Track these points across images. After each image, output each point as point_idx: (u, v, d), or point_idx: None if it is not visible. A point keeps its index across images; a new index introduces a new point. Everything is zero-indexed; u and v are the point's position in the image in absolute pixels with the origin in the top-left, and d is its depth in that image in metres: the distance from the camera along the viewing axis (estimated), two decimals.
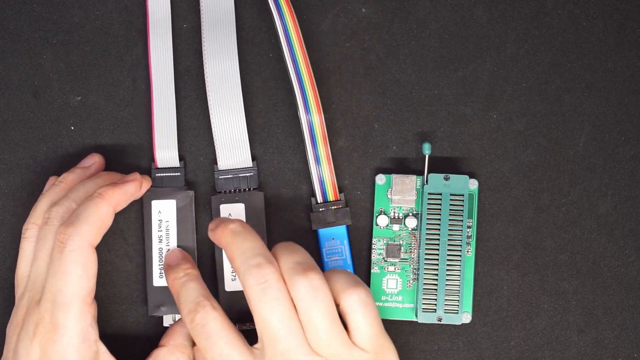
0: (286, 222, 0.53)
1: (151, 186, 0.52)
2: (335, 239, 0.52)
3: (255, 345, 0.46)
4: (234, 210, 0.52)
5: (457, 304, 0.51)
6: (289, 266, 0.45)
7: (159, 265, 0.51)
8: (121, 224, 0.52)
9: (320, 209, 0.52)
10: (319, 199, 0.52)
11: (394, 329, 0.53)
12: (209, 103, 0.52)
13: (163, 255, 0.51)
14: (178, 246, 0.51)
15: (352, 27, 0.53)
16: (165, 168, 0.52)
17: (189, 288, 0.47)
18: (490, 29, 0.53)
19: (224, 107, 0.52)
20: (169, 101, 0.52)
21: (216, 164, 0.52)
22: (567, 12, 0.54)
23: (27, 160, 0.53)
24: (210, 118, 0.52)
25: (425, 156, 0.52)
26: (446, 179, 0.51)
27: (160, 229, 0.51)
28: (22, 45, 0.53)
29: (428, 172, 0.52)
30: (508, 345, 0.53)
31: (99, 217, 0.47)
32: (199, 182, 0.53)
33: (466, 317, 0.52)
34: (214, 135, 0.52)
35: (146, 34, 0.53)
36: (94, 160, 0.51)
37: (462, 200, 0.51)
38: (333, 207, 0.52)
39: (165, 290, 0.51)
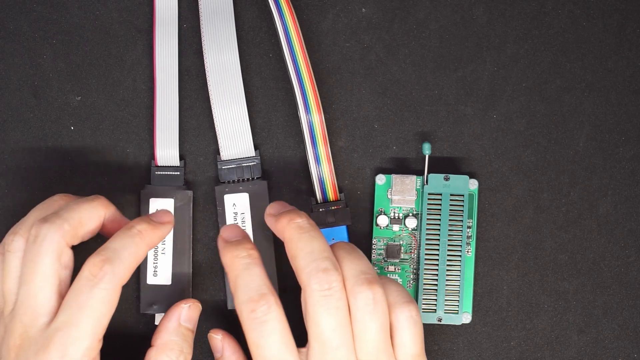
0: None
1: (150, 184, 0.52)
2: (335, 239, 0.52)
3: (301, 349, 0.45)
4: (238, 200, 0.52)
5: (457, 304, 0.51)
6: (354, 274, 0.44)
7: (154, 263, 0.51)
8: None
9: (320, 209, 0.52)
10: (319, 199, 0.52)
11: None
12: (210, 93, 0.52)
13: (158, 254, 0.51)
14: (174, 247, 0.51)
15: (352, 27, 0.53)
16: (165, 167, 0.52)
17: (252, 273, 0.45)
18: (490, 29, 0.54)
19: (225, 96, 0.52)
20: (172, 100, 0.52)
21: (219, 154, 0.52)
22: (567, 12, 0.54)
23: (27, 160, 0.53)
24: (212, 108, 0.52)
25: (425, 156, 0.52)
26: (446, 179, 0.51)
27: None
28: (22, 45, 0.53)
29: (428, 172, 0.52)
30: (508, 345, 0.53)
31: (136, 259, 0.45)
32: (199, 182, 0.53)
33: (466, 317, 0.52)
34: (215, 126, 0.52)
35: (152, 31, 0.53)
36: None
37: (462, 200, 0.51)
38: (333, 207, 0.52)
39: (158, 288, 0.51)
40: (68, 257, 0.45)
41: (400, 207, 0.53)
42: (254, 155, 0.52)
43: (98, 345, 0.44)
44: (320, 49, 0.53)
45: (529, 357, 0.53)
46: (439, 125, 0.53)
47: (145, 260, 0.51)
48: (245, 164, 0.52)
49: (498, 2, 0.54)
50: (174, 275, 0.51)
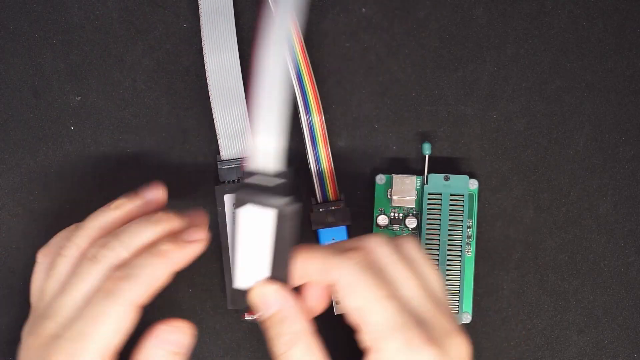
0: None
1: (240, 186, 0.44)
2: (335, 239, 0.52)
3: None
4: None
5: (457, 304, 0.51)
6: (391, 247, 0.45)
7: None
8: None
9: (320, 209, 0.52)
10: (319, 199, 0.52)
11: None
12: (210, 93, 0.52)
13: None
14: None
15: (352, 27, 0.53)
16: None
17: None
18: (490, 29, 0.54)
19: (225, 96, 0.52)
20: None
21: (219, 154, 0.52)
22: (567, 12, 0.54)
23: (27, 160, 0.53)
24: (212, 108, 0.52)
25: (425, 156, 0.52)
26: (446, 179, 0.51)
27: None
28: (22, 45, 0.53)
29: (428, 172, 0.52)
30: (508, 345, 0.53)
31: (155, 279, 0.44)
32: (200, 182, 0.53)
33: (466, 317, 0.52)
34: (215, 126, 0.52)
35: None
36: (158, 196, 0.48)
37: (462, 200, 0.51)
38: (333, 207, 0.52)
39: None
40: (133, 319, 0.44)
41: (400, 207, 0.53)
42: None
43: None
44: (320, 49, 0.53)
45: (529, 357, 0.53)
46: (439, 125, 0.53)
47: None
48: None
49: (498, 2, 0.54)
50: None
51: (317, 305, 0.45)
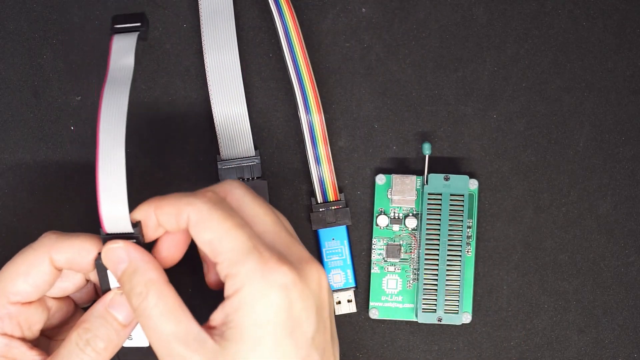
0: None
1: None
2: (335, 239, 0.52)
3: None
4: None
5: (457, 304, 0.51)
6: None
7: None
8: None
9: (320, 209, 0.52)
10: (319, 199, 0.52)
11: (394, 329, 0.53)
12: (210, 93, 0.52)
13: None
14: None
15: (352, 27, 0.53)
16: (118, 234, 0.44)
17: None
18: (490, 29, 0.54)
19: (225, 96, 0.52)
20: (118, 159, 0.43)
21: (219, 154, 0.52)
22: (567, 12, 0.54)
23: (27, 160, 0.53)
24: (212, 108, 0.52)
25: (425, 156, 0.52)
26: (446, 179, 0.51)
27: None
28: (22, 45, 0.53)
29: (428, 172, 0.52)
30: (508, 345, 0.53)
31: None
32: (200, 182, 0.53)
33: (466, 317, 0.52)
34: (215, 126, 0.52)
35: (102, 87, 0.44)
36: None
37: (462, 200, 0.51)
38: (333, 207, 0.52)
39: None
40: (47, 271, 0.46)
41: (400, 207, 0.53)
42: (254, 155, 0.52)
43: (11, 308, 0.45)
44: (320, 49, 0.53)
45: (529, 357, 0.53)
46: (439, 125, 0.53)
47: None
48: (245, 164, 0.52)
49: (498, 2, 0.54)
50: None
51: (172, 254, 0.45)
